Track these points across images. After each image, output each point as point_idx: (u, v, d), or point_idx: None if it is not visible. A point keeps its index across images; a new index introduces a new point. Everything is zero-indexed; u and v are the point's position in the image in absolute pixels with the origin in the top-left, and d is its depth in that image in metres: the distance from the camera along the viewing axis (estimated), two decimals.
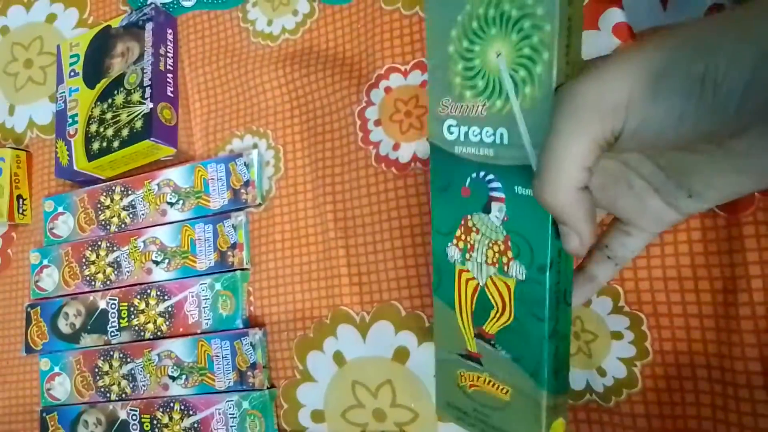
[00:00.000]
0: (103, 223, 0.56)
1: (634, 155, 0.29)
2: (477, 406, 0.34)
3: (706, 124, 0.23)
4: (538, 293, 0.29)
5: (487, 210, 0.30)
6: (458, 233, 0.32)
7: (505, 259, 0.30)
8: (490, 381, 0.33)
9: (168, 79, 0.55)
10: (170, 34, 0.56)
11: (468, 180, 0.31)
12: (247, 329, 0.49)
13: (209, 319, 0.51)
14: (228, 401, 0.49)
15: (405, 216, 0.46)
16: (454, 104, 0.30)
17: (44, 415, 0.55)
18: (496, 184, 0.30)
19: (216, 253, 0.51)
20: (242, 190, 0.51)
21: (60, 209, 0.58)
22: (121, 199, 0.56)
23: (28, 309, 0.57)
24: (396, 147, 0.46)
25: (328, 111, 0.50)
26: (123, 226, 0.55)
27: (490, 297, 0.31)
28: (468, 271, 0.32)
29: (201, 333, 0.51)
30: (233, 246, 0.51)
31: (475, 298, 0.32)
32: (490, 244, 0.31)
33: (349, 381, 0.47)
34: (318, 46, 0.52)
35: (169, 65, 0.55)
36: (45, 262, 0.58)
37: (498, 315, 0.31)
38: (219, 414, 0.49)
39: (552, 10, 0.26)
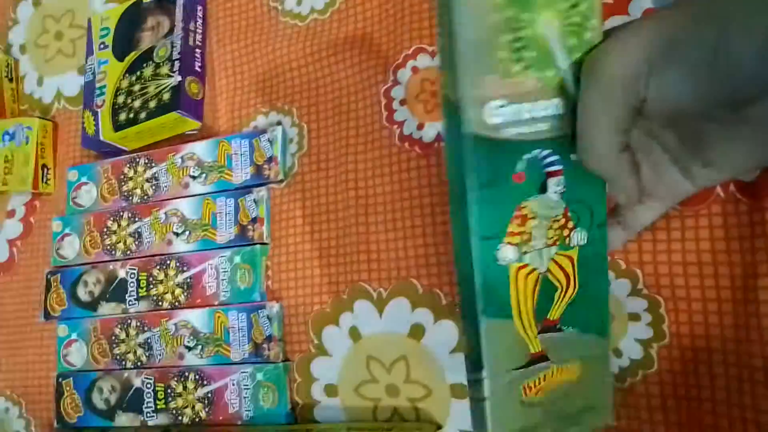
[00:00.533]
0: (125, 194, 0.57)
1: (655, 124, 0.30)
2: (545, 407, 0.32)
3: (720, 91, 0.24)
4: (599, 248, 0.31)
5: (543, 189, 0.29)
6: (511, 228, 0.29)
7: (566, 232, 0.30)
8: (556, 371, 0.32)
9: (196, 54, 0.56)
10: (200, 10, 0.57)
11: (520, 163, 0.28)
12: (264, 302, 0.50)
13: (227, 291, 0.51)
14: (242, 372, 0.50)
15: (426, 195, 0.46)
16: (500, 82, 0.27)
17: (60, 380, 0.56)
18: (553, 158, 0.29)
19: (236, 227, 0.52)
20: (265, 166, 0.52)
21: (84, 179, 0.59)
22: (145, 171, 0.56)
23: (48, 276, 0.58)
24: (420, 126, 0.47)
25: (353, 90, 0.51)
26: (146, 197, 0.56)
27: (553, 280, 0.31)
28: (526, 265, 0.30)
29: (218, 305, 0.52)
30: (254, 220, 0.52)
31: (536, 291, 0.31)
32: (550, 224, 0.30)
33: (364, 356, 0.47)
34: (346, 26, 0.52)
35: (198, 41, 0.56)
36: (67, 230, 0.58)
37: (562, 294, 0.31)
38: (233, 385, 0.50)
39: None
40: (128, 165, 0.57)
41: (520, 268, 0.30)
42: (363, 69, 0.50)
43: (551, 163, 0.29)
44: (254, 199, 0.52)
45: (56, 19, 0.65)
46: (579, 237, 0.30)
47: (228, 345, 0.51)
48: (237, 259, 0.51)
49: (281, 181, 0.52)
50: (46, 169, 0.62)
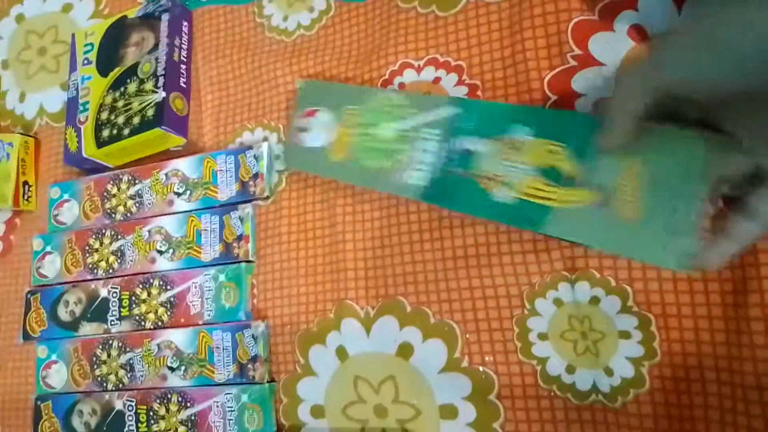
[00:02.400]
0: (108, 211, 0.56)
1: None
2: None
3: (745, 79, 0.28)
4: None
5: None
6: None
7: None
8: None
9: (181, 70, 0.55)
10: (185, 26, 0.57)
11: None
12: (249, 321, 0.49)
13: (211, 310, 0.50)
14: (227, 394, 0.48)
15: (414, 211, 0.46)
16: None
17: (38, 403, 0.55)
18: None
19: (221, 245, 0.51)
20: (250, 183, 0.51)
21: (66, 196, 0.58)
22: (128, 188, 0.56)
23: (28, 295, 0.57)
24: None
25: None
26: (129, 215, 0.55)
27: None
28: None
29: (202, 324, 0.50)
30: (239, 238, 0.51)
31: None
32: None
33: (351, 376, 0.46)
34: (333, 42, 0.52)
35: (183, 56, 0.56)
36: (48, 248, 0.57)
37: None
38: (217, 407, 0.49)
39: None
40: (111, 182, 0.56)
41: None
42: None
43: None
44: (239, 216, 0.51)
45: (39, 34, 0.64)
46: None
47: (212, 365, 0.49)
48: (222, 277, 0.51)
49: (267, 197, 0.51)
50: (27, 186, 0.60)
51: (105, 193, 0.56)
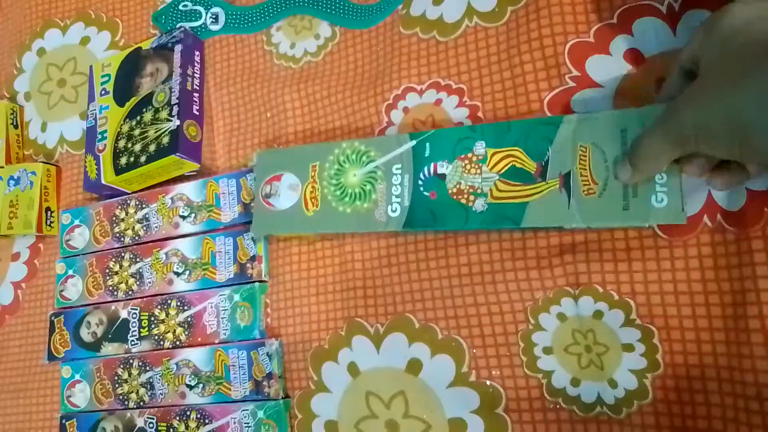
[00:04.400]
0: (117, 235, 0.58)
1: None
2: None
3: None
4: None
5: None
6: None
7: None
8: None
9: (194, 98, 0.57)
10: (197, 55, 0.59)
11: None
12: (264, 339, 0.51)
13: (227, 329, 0.52)
14: (243, 410, 0.50)
15: (420, 231, 0.47)
16: None
17: (64, 421, 0.57)
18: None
19: (236, 265, 0.53)
20: (253, 204, 0.53)
21: (76, 221, 0.60)
22: (136, 212, 0.58)
23: (52, 318, 0.59)
24: None
25: (347, 130, 0.52)
26: (137, 238, 0.57)
27: None
28: None
29: (219, 343, 0.52)
30: (252, 258, 0.52)
31: None
32: None
33: (363, 392, 0.47)
34: (338, 68, 0.54)
35: (196, 85, 0.58)
36: (70, 272, 0.59)
37: None
38: (234, 423, 0.50)
39: None
40: (119, 207, 0.58)
41: None
42: (356, 110, 0.51)
43: None
44: (253, 238, 0.52)
45: (59, 67, 0.67)
46: None
47: (229, 383, 0.51)
48: (236, 297, 0.52)
49: None
50: (49, 212, 0.63)
51: (114, 218, 0.59)
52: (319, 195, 0.47)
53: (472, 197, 0.42)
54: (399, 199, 0.45)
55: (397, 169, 0.45)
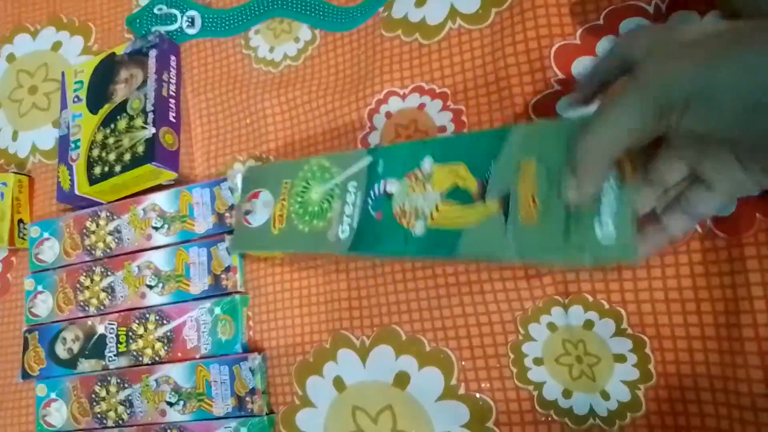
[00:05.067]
0: (88, 248, 0.56)
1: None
2: None
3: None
4: None
5: None
6: None
7: None
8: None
9: (170, 105, 0.56)
10: (173, 60, 0.57)
11: None
12: (246, 354, 0.49)
13: (208, 344, 0.50)
14: (226, 428, 0.48)
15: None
16: None
17: None
18: None
19: (210, 277, 0.51)
20: (227, 214, 0.51)
21: (46, 234, 0.58)
22: (107, 224, 0.56)
23: (26, 334, 0.57)
24: None
25: (329, 137, 0.50)
26: (108, 251, 0.55)
27: None
28: None
29: (200, 358, 0.50)
30: (227, 269, 0.51)
31: None
32: None
33: (349, 406, 0.46)
34: (319, 72, 0.52)
35: (172, 91, 0.56)
36: (39, 288, 0.57)
37: None
38: None
39: None
40: (90, 218, 0.57)
41: None
42: (338, 116, 0.50)
43: None
44: (227, 248, 0.51)
45: (30, 73, 0.65)
46: None
47: (211, 399, 0.49)
48: (217, 310, 0.51)
49: None
50: (22, 224, 0.61)
51: (84, 230, 0.57)
52: (286, 213, 0.46)
53: (413, 220, 0.39)
54: (349, 219, 0.42)
55: (352, 187, 0.43)
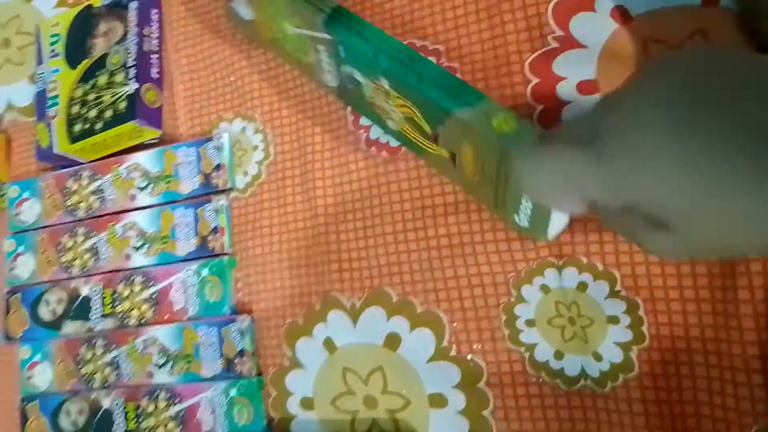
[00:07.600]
0: (70, 208, 0.55)
1: None
2: None
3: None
4: None
5: None
6: None
7: None
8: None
9: (152, 60, 0.53)
10: (155, 13, 0.55)
11: None
12: (234, 316, 0.48)
13: (196, 306, 0.50)
14: (214, 389, 0.48)
15: (396, 201, 0.45)
16: None
17: (25, 404, 0.54)
18: None
19: (197, 238, 0.50)
20: (213, 174, 0.50)
21: (26, 194, 0.56)
22: (89, 184, 0.54)
23: (8, 296, 0.56)
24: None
25: (317, 95, 0.49)
26: (91, 211, 0.54)
27: None
28: None
29: (187, 320, 0.50)
30: (214, 230, 0.50)
31: None
32: None
33: (340, 368, 0.46)
34: None
35: (155, 46, 0.54)
36: (20, 249, 0.56)
37: None
38: (205, 402, 0.48)
39: None
40: (71, 178, 0.55)
41: None
42: None
43: None
44: (214, 209, 0.50)
45: (2, 25, 0.62)
46: None
47: (199, 361, 0.49)
48: (205, 271, 0.50)
49: (230, 189, 0.50)
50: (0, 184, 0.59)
51: (65, 190, 0.55)
52: (269, 32, 0.47)
53: (385, 115, 0.42)
54: (330, 74, 0.44)
55: (323, 50, 0.43)
